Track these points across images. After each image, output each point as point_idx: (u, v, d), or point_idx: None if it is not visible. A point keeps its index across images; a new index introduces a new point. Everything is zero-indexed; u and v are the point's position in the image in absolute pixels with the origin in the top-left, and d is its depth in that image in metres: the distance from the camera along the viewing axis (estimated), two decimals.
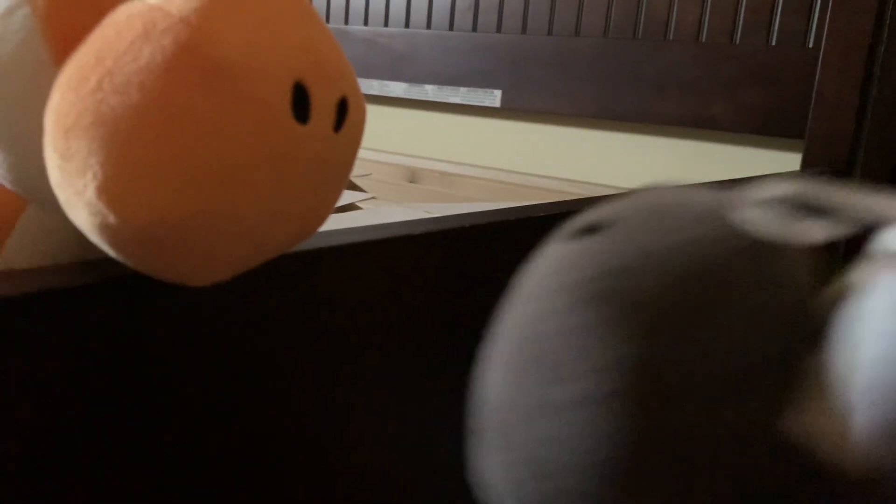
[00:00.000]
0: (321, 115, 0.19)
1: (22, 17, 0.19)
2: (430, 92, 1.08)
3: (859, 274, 0.25)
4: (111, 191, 0.17)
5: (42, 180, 0.20)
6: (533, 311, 0.25)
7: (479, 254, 0.34)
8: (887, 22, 0.77)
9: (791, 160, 0.89)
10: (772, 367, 0.24)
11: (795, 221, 0.24)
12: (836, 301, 0.25)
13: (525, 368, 0.24)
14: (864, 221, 0.25)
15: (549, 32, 0.96)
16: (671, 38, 0.91)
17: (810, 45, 0.83)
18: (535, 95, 0.98)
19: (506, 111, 1.04)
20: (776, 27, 0.84)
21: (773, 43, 0.85)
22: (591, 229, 0.26)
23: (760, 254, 0.25)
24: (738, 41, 0.87)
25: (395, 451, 0.32)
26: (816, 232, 0.24)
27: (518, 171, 0.99)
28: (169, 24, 0.17)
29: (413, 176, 1.00)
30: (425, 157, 1.03)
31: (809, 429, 0.23)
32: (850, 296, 0.24)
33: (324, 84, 0.19)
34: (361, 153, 1.12)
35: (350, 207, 0.70)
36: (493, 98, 1.02)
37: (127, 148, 0.17)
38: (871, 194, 0.26)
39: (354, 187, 0.87)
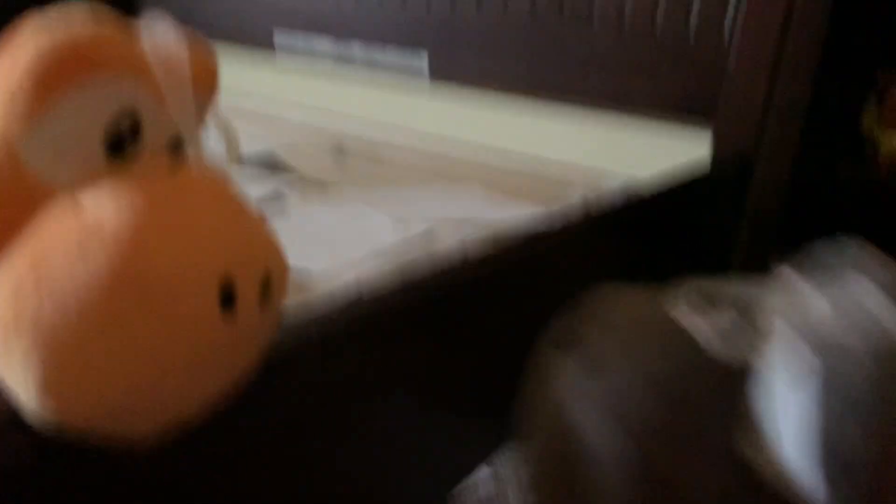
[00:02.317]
0: (246, 298, 0.21)
1: None
2: (356, 51, 1.07)
3: (763, 360, 0.32)
4: (51, 391, 0.19)
5: None
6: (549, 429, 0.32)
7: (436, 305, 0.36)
8: (796, 16, 0.81)
9: (703, 139, 0.93)
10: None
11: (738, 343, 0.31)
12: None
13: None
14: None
15: (478, 9, 0.96)
16: (595, 20, 0.93)
17: (726, 35, 0.86)
18: (464, 68, 0.99)
19: (434, 83, 1.04)
20: (694, 16, 0.87)
21: (692, 31, 0.87)
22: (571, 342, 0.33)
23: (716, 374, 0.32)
24: (658, 27, 0.89)
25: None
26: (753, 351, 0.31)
27: (447, 143, 1.00)
28: (102, 243, 0.19)
29: (341, 147, 1.00)
30: (354, 126, 1.03)
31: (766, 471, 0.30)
32: (761, 382, 0.32)
33: (248, 270, 0.21)
34: (288, 115, 1.10)
35: (277, 196, 0.71)
36: (421, 60, 1.02)
37: (67, 354, 0.19)
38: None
39: (281, 164, 0.87)
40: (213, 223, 0.20)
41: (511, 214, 0.70)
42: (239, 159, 0.24)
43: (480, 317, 0.43)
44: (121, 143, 0.21)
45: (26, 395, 0.20)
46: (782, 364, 0.31)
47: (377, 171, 0.90)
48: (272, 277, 0.22)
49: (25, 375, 0.19)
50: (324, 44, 1.10)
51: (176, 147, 0.23)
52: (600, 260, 0.60)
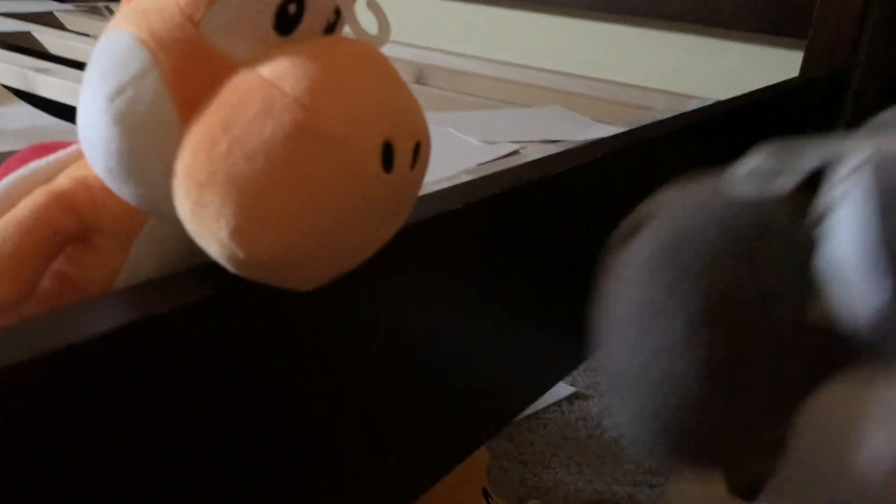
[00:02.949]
0: (402, 161, 0.23)
1: (153, 80, 0.23)
2: None
3: (828, 197, 0.35)
4: (242, 235, 0.22)
5: (166, 205, 0.25)
6: (625, 293, 0.33)
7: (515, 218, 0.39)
8: None
9: (793, 59, 0.91)
10: (795, 280, 0.33)
11: (770, 182, 0.32)
12: (820, 221, 0.35)
13: (630, 334, 0.33)
14: (822, 163, 0.34)
15: None
16: None
17: None
18: None
19: (512, 9, 1.04)
20: None
21: None
22: (639, 225, 0.34)
23: (767, 209, 0.34)
24: None
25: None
26: (785, 184, 0.32)
27: (526, 71, 1.00)
28: (286, 104, 0.21)
29: (420, 74, 1.01)
30: (431, 56, 1.04)
31: (827, 314, 0.33)
32: (828, 214, 0.34)
33: (404, 137, 0.23)
34: None
35: None
36: None
37: (257, 203, 0.22)
38: (824, 141, 0.34)
39: None
40: (378, 90, 0.23)
41: (598, 134, 0.71)
42: (388, 38, 0.26)
43: (557, 216, 0.45)
44: (288, 24, 0.24)
45: (218, 244, 0.22)
46: (845, 197, 0.34)
47: (458, 99, 0.91)
48: (421, 144, 0.24)
49: (219, 226, 0.22)
50: None
51: (329, 30, 0.26)
52: (677, 169, 0.61)
